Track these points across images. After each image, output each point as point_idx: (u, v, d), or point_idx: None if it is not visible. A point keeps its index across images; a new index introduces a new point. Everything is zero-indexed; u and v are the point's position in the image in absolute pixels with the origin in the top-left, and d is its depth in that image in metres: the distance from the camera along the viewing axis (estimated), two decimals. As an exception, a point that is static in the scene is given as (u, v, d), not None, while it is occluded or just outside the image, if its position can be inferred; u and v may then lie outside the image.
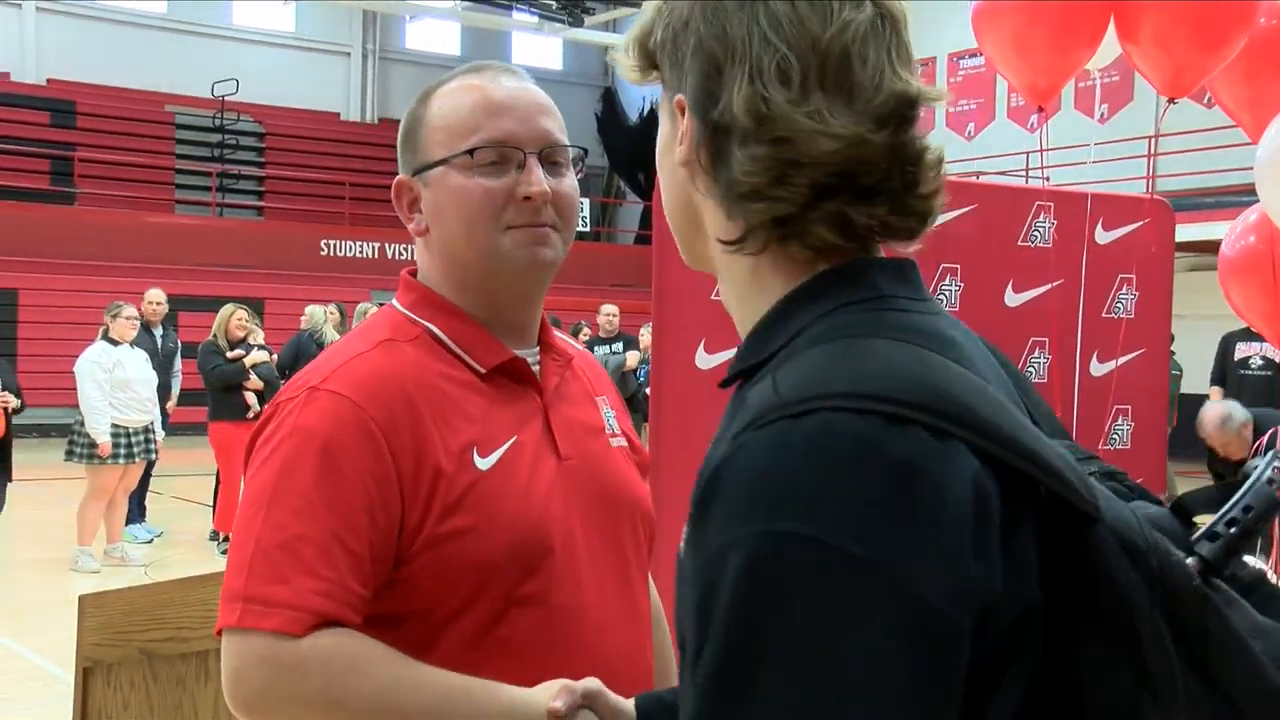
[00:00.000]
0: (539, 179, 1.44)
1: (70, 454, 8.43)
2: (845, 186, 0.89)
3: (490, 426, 1.42)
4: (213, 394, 9.04)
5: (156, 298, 9.47)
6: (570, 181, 1.50)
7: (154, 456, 8.76)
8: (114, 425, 8.27)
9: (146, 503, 9.67)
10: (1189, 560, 0.85)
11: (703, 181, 0.95)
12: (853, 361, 0.84)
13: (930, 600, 0.76)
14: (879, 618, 0.75)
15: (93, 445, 8.25)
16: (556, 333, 1.59)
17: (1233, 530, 0.86)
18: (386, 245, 21.33)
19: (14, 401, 7.72)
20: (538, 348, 1.54)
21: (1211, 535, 0.87)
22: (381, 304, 8.37)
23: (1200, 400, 9.93)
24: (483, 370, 1.46)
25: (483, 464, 1.39)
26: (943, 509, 0.78)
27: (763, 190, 0.90)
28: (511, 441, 1.42)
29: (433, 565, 1.35)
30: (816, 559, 0.76)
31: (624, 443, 1.59)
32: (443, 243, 1.48)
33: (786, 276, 0.94)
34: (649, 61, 0.99)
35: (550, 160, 1.48)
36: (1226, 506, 0.88)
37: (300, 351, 9.58)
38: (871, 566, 0.76)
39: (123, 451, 8.36)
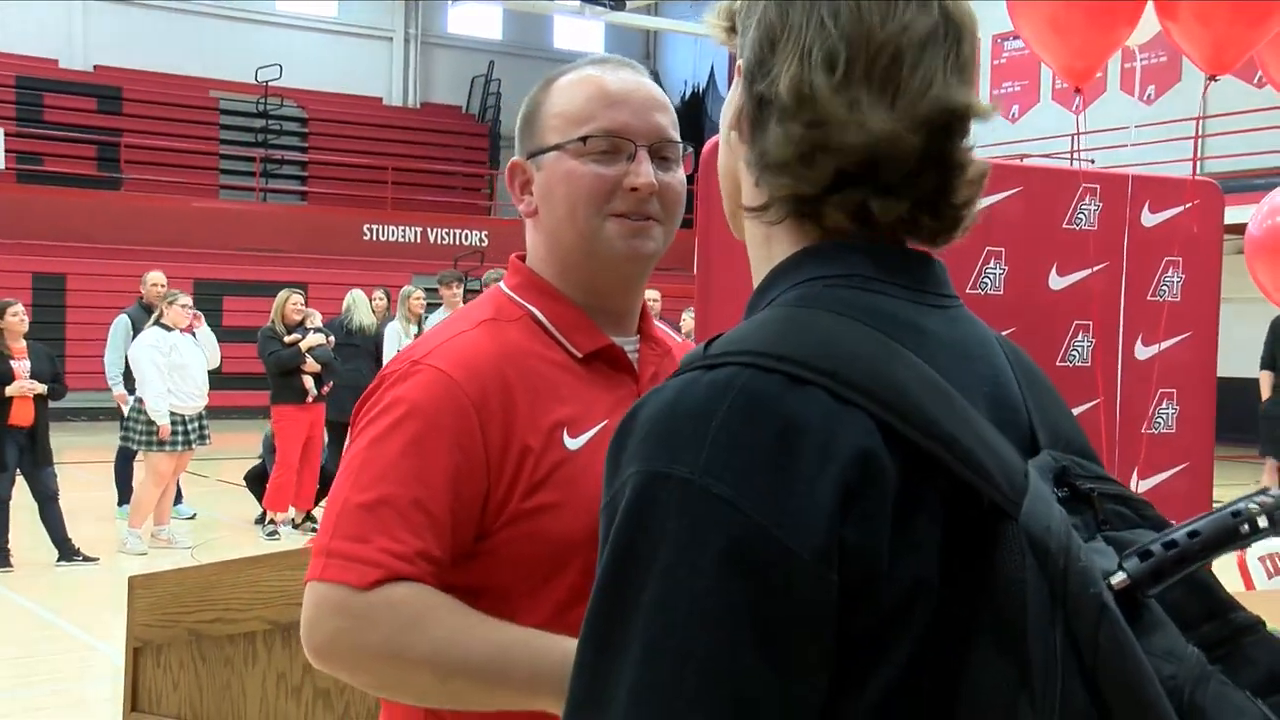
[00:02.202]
0: (647, 171, 1.48)
1: (126, 441, 8.54)
2: (869, 178, 0.92)
3: (582, 409, 1.45)
4: (272, 379, 9.14)
5: (158, 279, 9.40)
6: (679, 177, 1.53)
7: (208, 441, 8.85)
8: (171, 412, 8.36)
9: (183, 486, 9.77)
10: (1118, 576, 0.82)
11: (741, 148, 0.99)
12: (781, 326, 0.89)
13: (791, 549, 0.80)
14: (737, 559, 0.80)
15: (150, 432, 8.35)
16: (658, 323, 1.64)
17: (1169, 553, 0.83)
18: (428, 230, 21.41)
19: (40, 388, 7.81)
20: (637, 337, 1.58)
21: (1143, 553, 0.83)
22: (423, 288, 8.39)
23: (1249, 384, 9.81)
24: (579, 355, 1.50)
25: (572, 444, 1.43)
26: (822, 468, 0.81)
27: (789, 166, 0.93)
28: (603, 425, 1.45)
29: (514, 541, 1.39)
30: (689, 498, 0.81)
31: None
32: (549, 225, 1.53)
33: (789, 252, 0.97)
34: (731, 24, 1.02)
35: (660, 155, 1.51)
36: (1174, 527, 0.85)
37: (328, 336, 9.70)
38: (738, 511, 0.80)
39: (180, 438, 8.46)
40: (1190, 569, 0.83)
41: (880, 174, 0.91)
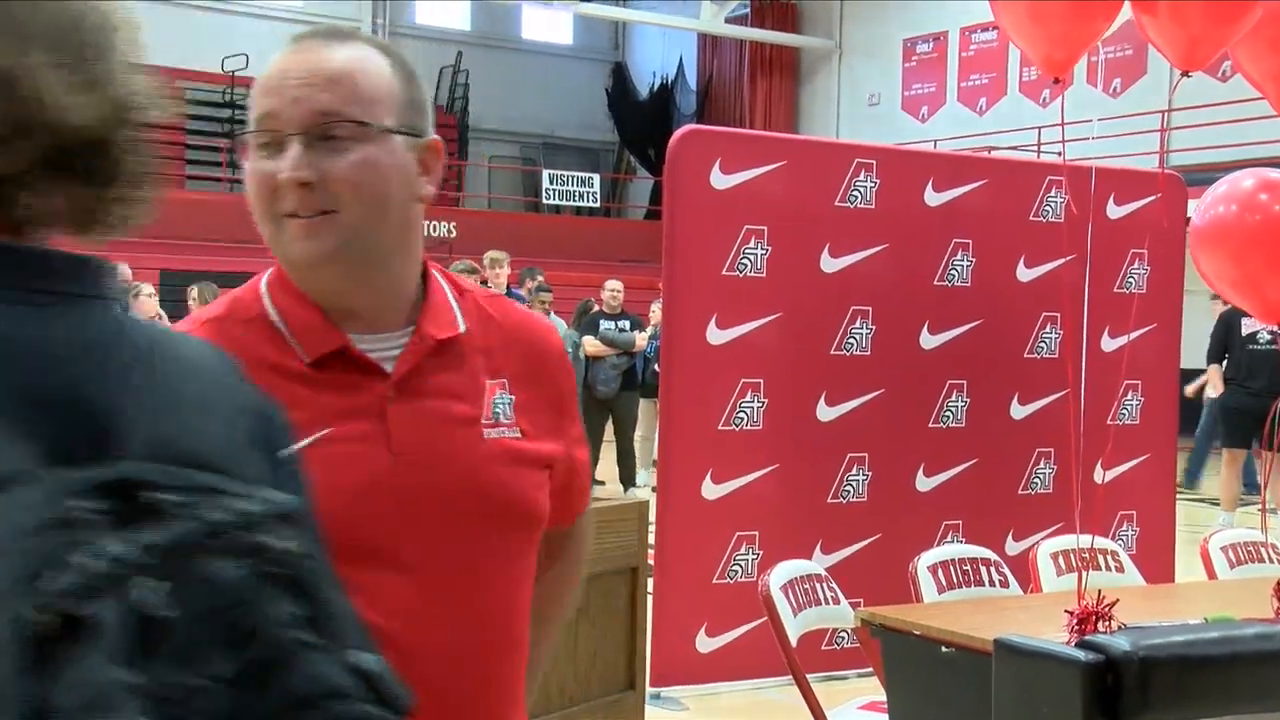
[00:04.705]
0: (288, 162, 1.31)
1: None
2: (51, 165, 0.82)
3: (304, 417, 1.20)
4: None
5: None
6: (351, 158, 1.33)
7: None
8: None
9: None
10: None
11: None
12: None
13: None
14: None
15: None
16: (458, 311, 1.45)
17: (95, 562, 0.69)
18: (397, 221, 21.33)
19: None
20: (409, 329, 1.40)
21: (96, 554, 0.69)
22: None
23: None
24: (307, 360, 1.36)
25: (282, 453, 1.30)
26: None
27: None
28: (321, 434, 1.28)
29: None
30: None
31: (513, 433, 1.43)
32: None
33: None
34: None
35: (326, 136, 1.32)
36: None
37: None
38: None
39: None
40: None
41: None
